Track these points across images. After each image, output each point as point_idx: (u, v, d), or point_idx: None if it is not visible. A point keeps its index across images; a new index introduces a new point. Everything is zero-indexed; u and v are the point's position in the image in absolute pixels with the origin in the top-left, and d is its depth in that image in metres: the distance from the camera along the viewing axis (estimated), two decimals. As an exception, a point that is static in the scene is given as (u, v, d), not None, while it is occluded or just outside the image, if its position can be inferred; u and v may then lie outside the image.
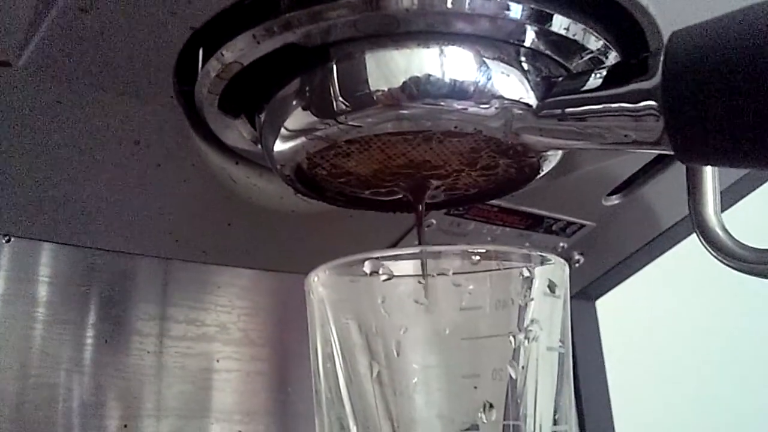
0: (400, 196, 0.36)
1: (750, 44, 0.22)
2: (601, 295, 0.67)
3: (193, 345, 0.45)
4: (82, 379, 0.41)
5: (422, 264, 0.29)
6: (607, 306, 0.68)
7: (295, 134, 0.31)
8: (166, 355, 0.44)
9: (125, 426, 0.41)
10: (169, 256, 0.44)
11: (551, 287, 0.30)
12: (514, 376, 0.28)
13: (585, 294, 0.65)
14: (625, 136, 0.26)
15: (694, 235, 0.37)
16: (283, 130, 0.31)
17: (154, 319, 0.44)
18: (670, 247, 0.60)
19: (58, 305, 0.40)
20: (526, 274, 0.30)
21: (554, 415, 0.29)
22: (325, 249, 0.32)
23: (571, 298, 0.65)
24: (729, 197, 0.51)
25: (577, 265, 0.57)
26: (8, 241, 0.39)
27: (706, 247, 0.37)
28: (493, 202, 0.46)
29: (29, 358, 0.39)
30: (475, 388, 0.30)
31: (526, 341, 0.29)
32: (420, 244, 0.36)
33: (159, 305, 0.44)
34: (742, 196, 0.53)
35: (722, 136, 0.23)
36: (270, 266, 0.48)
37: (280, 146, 0.32)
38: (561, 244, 0.54)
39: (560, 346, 0.30)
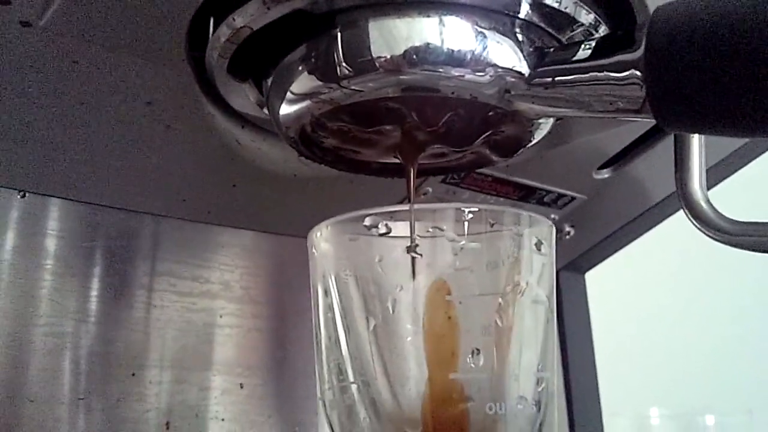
0: (398, 161, 0.38)
1: (727, 18, 0.24)
2: (591, 267, 0.68)
3: (197, 301, 0.47)
4: (89, 329, 0.43)
5: (410, 222, 0.31)
6: (595, 279, 0.70)
7: (300, 98, 0.32)
8: (171, 310, 0.46)
9: (132, 375, 0.43)
10: (175, 214, 0.46)
11: (538, 246, 0.32)
12: (501, 326, 0.30)
13: (575, 266, 0.67)
14: (611, 104, 0.28)
15: (681, 211, 0.39)
16: (289, 94, 0.33)
17: (160, 275, 0.46)
18: (659, 222, 0.61)
19: (68, 259, 0.42)
20: (516, 232, 0.31)
21: (538, 365, 0.31)
22: (325, 213, 0.33)
23: (561, 270, 0.67)
24: (716, 175, 0.52)
25: (567, 237, 0.59)
26: (23, 196, 0.41)
27: (691, 220, 0.38)
28: (487, 171, 0.48)
29: (39, 307, 0.41)
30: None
31: (515, 297, 0.31)
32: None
33: (165, 262, 0.46)
34: (729, 174, 0.55)
35: (699, 105, 0.25)
36: (272, 228, 0.50)
37: (285, 109, 0.33)
38: (552, 216, 0.56)
39: (546, 301, 0.32)
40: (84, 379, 0.42)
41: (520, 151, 0.37)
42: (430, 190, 0.48)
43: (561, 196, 0.53)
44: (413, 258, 0.31)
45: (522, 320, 0.31)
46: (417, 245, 0.31)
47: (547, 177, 0.51)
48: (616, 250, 0.65)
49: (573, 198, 0.54)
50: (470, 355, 0.30)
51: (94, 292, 0.43)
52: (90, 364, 0.42)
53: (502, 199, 0.52)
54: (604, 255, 0.66)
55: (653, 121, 0.27)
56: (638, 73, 0.26)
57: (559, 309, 0.67)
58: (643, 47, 0.26)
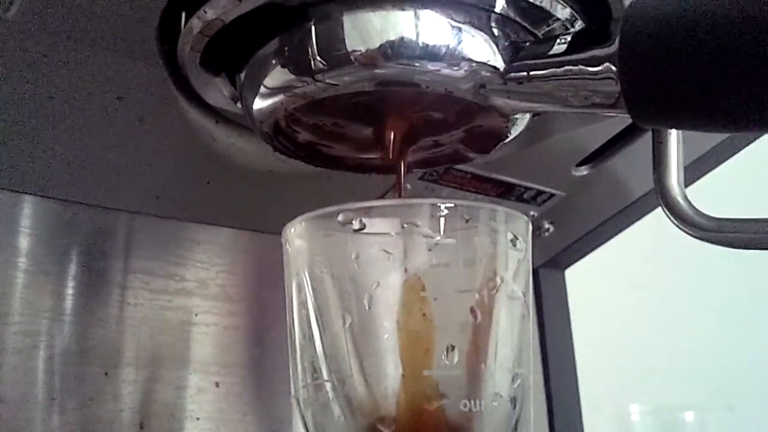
0: (379, 155, 0.37)
1: (701, 13, 0.24)
2: (570, 264, 0.68)
3: (172, 299, 0.46)
4: (63, 328, 0.42)
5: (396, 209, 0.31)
6: (575, 276, 0.70)
7: (274, 92, 0.32)
8: (146, 308, 0.45)
9: (106, 374, 0.43)
10: (149, 211, 0.45)
11: (514, 242, 0.32)
12: (477, 323, 0.30)
13: (554, 263, 0.67)
14: (586, 98, 0.28)
15: (660, 208, 0.39)
16: (262, 88, 0.32)
17: (135, 273, 0.45)
18: (638, 219, 0.61)
19: (40, 256, 0.42)
20: (492, 228, 0.31)
21: (514, 361, 0.31)
22: (302, 210, 0.33)
23: (541, 267, 0.67)
24: (694, 172, 0.53)
25: (547, 234, 0.59)
26: (-8, 192, 0.40)
27: (668, 216, 0.38)
28: (466, 168, 0.48)
29: (11, 306, 0.40)
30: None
31: (491, 293, 0.31)
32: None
33: (139, 259, 0.45)
34: (708, 171, 0.55)
35: (672, 99, 0.25)
36: (248, 225, 0.50)
37: (259, 104, 0.33)
38: (531, 213, 0.56)
39: (522, 297, 0.32)
40: (57, 379, 0.41)
41: (498, 146, 0.37)
42: (409, 187, 0.48)
43: (540, 192, 0.53)
44: (388, 254, 0.31)
45: (497, 316, 0.31)
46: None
47: (526, 174, 0.51)
48: (595, 247, 0.65)
49: (552, 195, 0.54)
50: (445, 352, 0.30)
51: (67, 290, 0.42)
52: (63, 364, 0.42)
53: (481, 196, 0.51)
54: (584, 252, 0.66)
55: (628, 116, 0.27)
56: (613, 67, 0.26)
57: (539, 306, 0.67)
58: (617, 42, 0.26)
